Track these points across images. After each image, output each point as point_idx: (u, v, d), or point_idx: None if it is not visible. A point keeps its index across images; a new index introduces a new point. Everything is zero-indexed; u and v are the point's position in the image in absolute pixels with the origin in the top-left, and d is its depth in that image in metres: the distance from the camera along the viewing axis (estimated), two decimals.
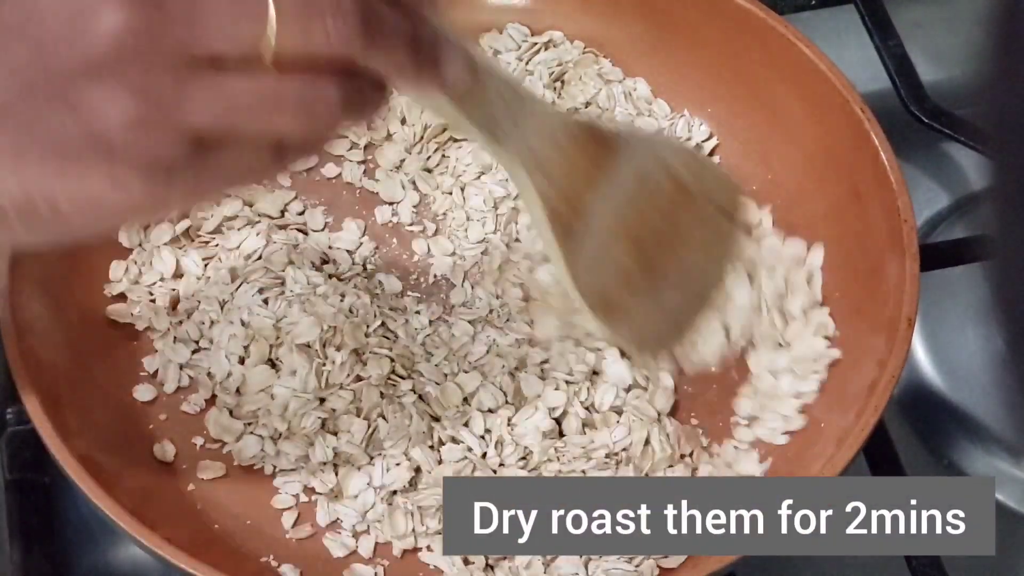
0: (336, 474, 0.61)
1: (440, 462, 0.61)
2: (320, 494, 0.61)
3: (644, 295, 0.55)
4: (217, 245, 0.67)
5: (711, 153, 0.71)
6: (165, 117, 0.41)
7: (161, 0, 0.40)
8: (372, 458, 0.61)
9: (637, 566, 0.57)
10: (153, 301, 0.65)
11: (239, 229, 0.67)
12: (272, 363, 0.63)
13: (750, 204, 0.67)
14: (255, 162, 0.43)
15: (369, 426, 0.61)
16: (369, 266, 0.67)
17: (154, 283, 0.66)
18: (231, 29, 0.41)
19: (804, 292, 0.65)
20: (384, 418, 0.61)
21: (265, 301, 0.64)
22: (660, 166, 0.55)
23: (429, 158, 0.70)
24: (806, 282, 0.65)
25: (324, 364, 0.62)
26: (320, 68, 0.42)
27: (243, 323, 0.64)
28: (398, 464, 0.61)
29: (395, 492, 0.60)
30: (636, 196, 0.53)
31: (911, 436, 0.70)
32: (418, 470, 0.61)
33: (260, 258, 0.66)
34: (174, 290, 0.66)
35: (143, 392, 0.63)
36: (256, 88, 0.41)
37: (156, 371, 0.64)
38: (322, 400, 0.62)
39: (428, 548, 0.60)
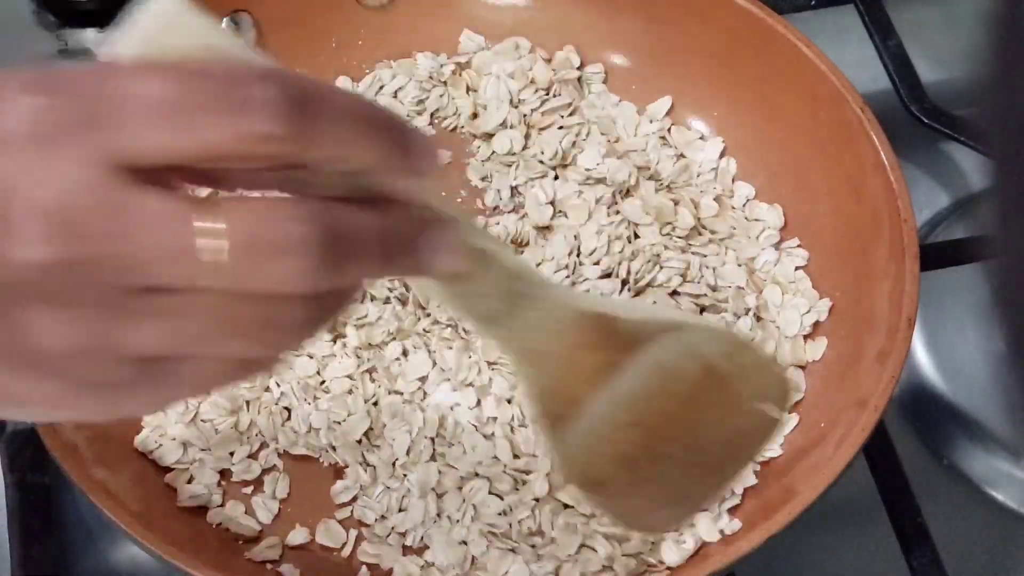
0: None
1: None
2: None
3: (645, 478, 0.51)
4: None
5: (722, 155, 0.71)
6: (104, 347, 0.36)
7: (85, 226, 0.34)
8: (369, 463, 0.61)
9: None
10: None
11: None
12: None
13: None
14: (216, 373, 0.38)
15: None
16: None
17: None
18: (169, 264, 0.35)
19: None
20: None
21: None
22: (691, 354, 0.51)
23: None
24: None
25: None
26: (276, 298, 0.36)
27: None
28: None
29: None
30: (652, 386, 0.49)
31: (911, 436, 0.70)
32: None
33: None
34: None
35: None
36: (206, 312, 0.36)
37: None
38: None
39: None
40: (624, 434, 0.48)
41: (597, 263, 0.66)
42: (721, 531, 0.59)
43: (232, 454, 0.61)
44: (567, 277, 0.66)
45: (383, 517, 0.60)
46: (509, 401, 0.62)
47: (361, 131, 0.36)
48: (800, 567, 0.65)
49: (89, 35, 0.79)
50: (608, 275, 0.66)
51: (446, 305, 0.44)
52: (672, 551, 0.59)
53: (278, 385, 0.62)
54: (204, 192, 0.36)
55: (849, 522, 0.66)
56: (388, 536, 0.60)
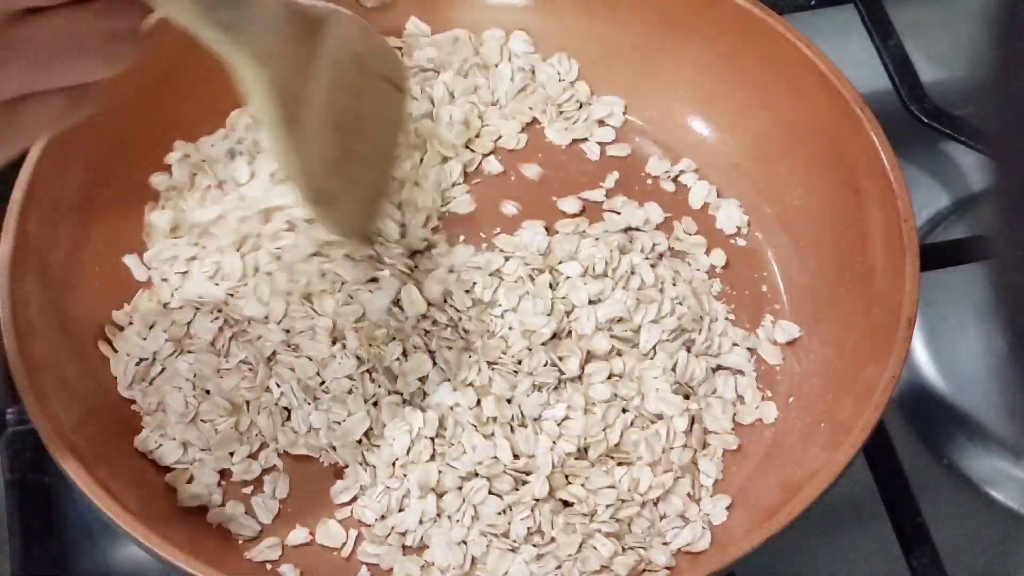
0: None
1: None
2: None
3: (348, 180, 0.56)
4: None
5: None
6: None
7: None
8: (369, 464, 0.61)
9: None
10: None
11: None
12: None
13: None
14: (64, 104, 0.42)
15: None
16: None
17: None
18: None
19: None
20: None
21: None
22: (343, 44, 0.54)
23: None
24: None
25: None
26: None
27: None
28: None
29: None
30: (334, 81, 0.52)
31: (911, 436, 0.70)
32: None
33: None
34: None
35: None
36: (55, 34, 0.40)
37: None
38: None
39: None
40: (330, 137, 0.51)
41: None
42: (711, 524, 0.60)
43: (232, 454, 0.61)
44: None
45: (383, 517, 0.60)
46: (509, 401, 0.62)
47: None
48: (800, 567, 0.65)
49: None
50: None
51: (185, 19, 0.46)
52: (665, 554, 0.59)
53: (278, 386, 0.62)
54: None
55: (849, 522, 0.66)
56: (388, 536, 0.60)
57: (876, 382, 0.59)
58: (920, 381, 0.71)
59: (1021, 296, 0.30)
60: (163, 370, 0.63)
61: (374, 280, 0.65)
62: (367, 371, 0.63)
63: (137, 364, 0.63)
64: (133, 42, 0.43)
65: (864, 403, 0.58)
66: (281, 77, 0.49)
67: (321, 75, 0.52)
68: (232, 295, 0.65)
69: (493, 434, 0.62)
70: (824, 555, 0.66)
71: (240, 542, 0.60)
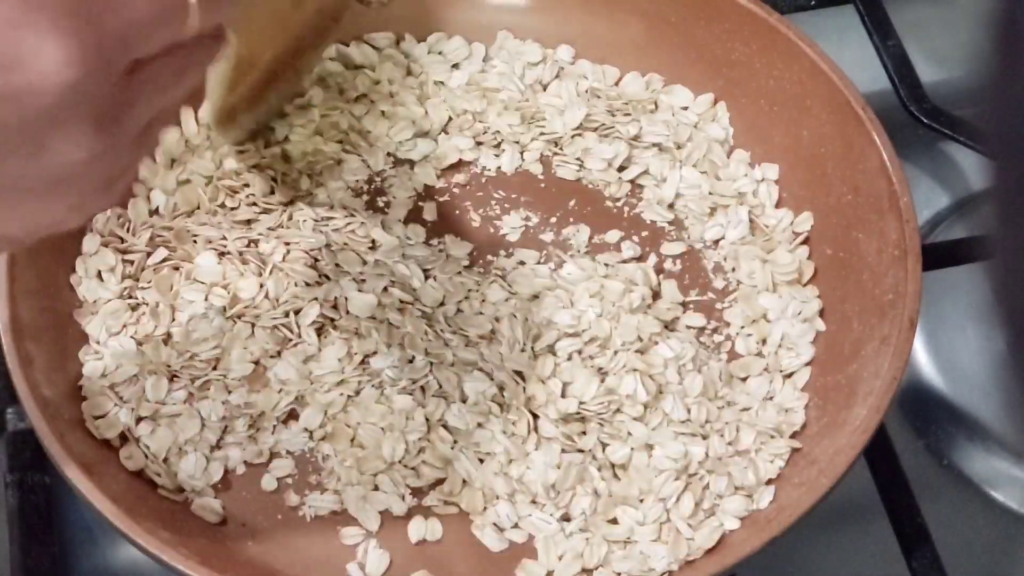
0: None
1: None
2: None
3: (253, 87, 0.61)
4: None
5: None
6: (123, 136, 0.41)
7: (100, 21, 0.38)
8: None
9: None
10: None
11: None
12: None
13: None
14: (176, 111, 0.46)
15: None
16: None
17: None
18: (159, 29, 0.40)
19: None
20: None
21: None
22: None
23: None
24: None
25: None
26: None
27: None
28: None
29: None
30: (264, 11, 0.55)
31: (911, 436, 0.70)
32: None
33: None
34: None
35: None
36: (181, 64, 0.42)
37: None
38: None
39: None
40: (236, 48, 0.53)
41: None
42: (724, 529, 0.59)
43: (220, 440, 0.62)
44: None
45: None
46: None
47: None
48: (800, 567, 0.65)
49: None
50: None
51: None
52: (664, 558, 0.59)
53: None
54: None
55: (849, 522, 0.66)
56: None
57: (876, 382, 0.59)
58: (920, 381, 0.71)
59: (1021, 296, 0.30)
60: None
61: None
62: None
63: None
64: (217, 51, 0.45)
65: (865, 404, 0.58)
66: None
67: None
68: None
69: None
70: (824, 555, 0.66)
71: (242, 546, 0.60)
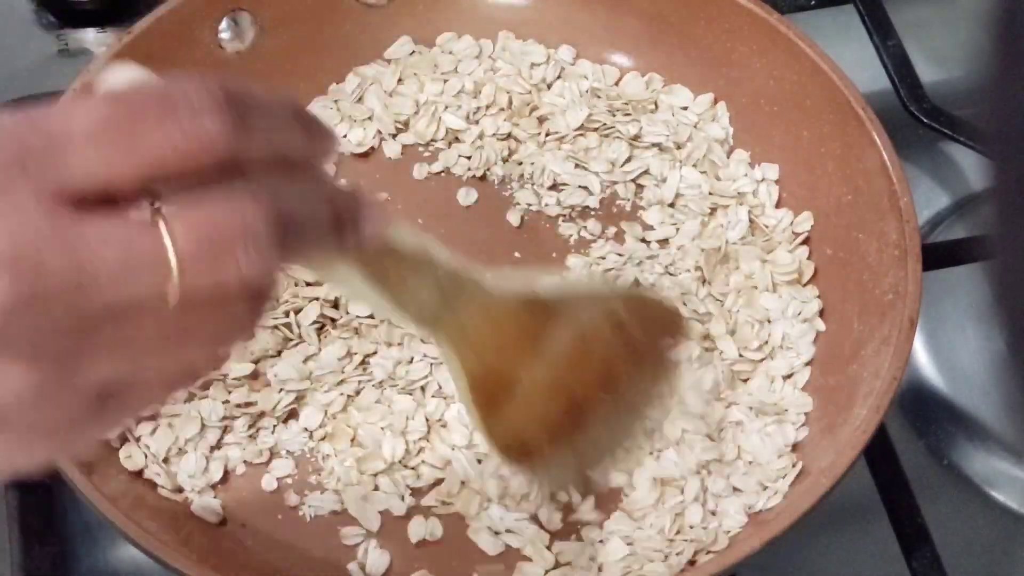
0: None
1: None
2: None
3: (566, 440, 0.52)
4: None
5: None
6: (65, 383, 0.35)
7: (41, 263, 0.34)
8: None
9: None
10: None
11: None
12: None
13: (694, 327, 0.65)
14: (165, 384, 0.39)
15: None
16: None
17: None
18: (126, 283, 0.35)
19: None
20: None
21: None
22: (604, 313, 0.52)
23: None
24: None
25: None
26: (228, 296, 0.36)
27: None
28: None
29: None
30: (572, 352, 0.51)
31: (911, 436, 0.70)
32: None
33: None
34: None
35: None
36: (161, 330, 0.36)
37: None
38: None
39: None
40: (546, 398, 0.49)
41: None
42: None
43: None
44: None
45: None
46: None
47: (286, 119, 0.38)
48: (800, 567, 0.65)
49: (89, 35, 0.79)
50: None
51: (381, 305, 0.44)
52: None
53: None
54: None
55: (849, 522, 0.66)
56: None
57: (876, 382, 0.59)
58: (920, 381, 0.71)
59: (1021, 296, 0.30)
60: None
61: None
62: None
63: None
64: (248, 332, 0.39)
65: (865, 404, 0.58)
66: (480, 359, 0.48)
67: (548, 352, 0.50)
68: None
69: None
70: (824, 555, 0.66)
71: (242, 547, 0.60)
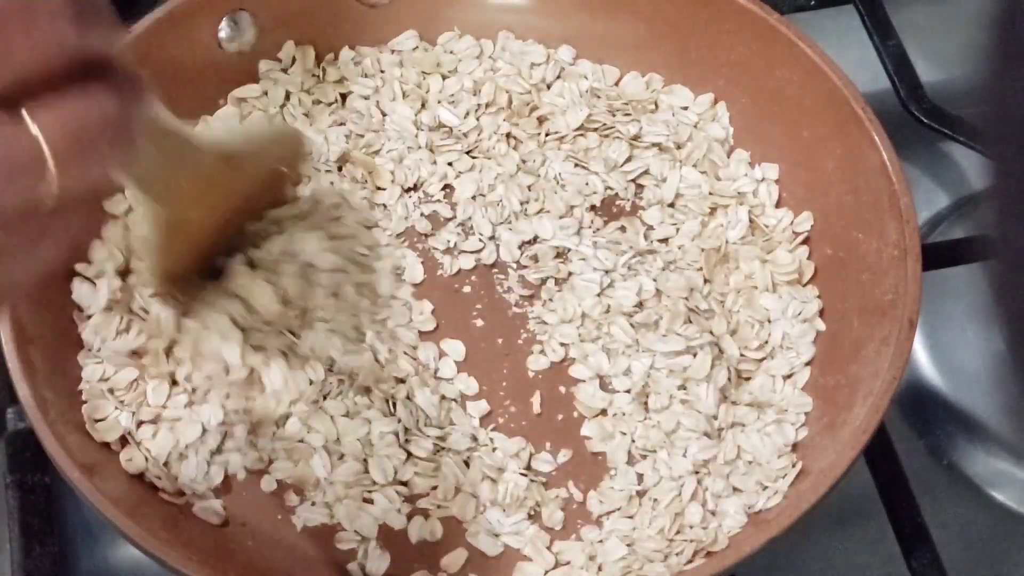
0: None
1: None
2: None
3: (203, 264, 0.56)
4: None
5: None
6: None
7: None
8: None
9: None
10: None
11: None
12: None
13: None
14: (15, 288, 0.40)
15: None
16: None
17: None
18: (8, 184, 0.35)
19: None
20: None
21: None
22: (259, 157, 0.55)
23: None
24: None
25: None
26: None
27: None
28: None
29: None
30: (231, 192, 0.53)
31: (911, 436, 0.70)
32: None
33: None
34: None
35: None
36: (26, 231, 0.37)
37: None
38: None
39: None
40: (159, 214, 0.50)
41: None
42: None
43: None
44: None
45: None
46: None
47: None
48: (800, 567, 0.65)
49: None
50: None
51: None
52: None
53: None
54: None
55: (849, 522, 0.66)
56: None
57: (876, 382, 0.59)
58: (920, 381, 0.71)
59: (1021, 296, 0.30)
60: None
61: None
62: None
63: None
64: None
65: (865, 404, 0.58)
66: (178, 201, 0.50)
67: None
68: None
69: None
70: (824, 555, 0.66)
71: (242, 548, 0.60)
